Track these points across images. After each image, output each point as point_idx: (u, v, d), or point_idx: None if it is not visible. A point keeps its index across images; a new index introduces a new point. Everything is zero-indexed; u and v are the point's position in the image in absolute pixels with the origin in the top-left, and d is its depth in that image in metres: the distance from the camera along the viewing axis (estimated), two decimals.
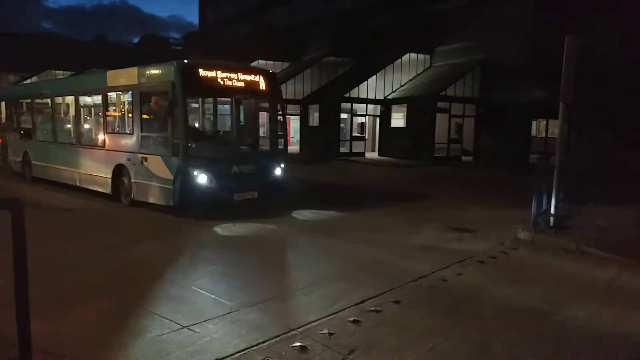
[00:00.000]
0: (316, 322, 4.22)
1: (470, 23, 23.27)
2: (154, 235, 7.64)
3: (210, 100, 10.95)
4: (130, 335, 3.92)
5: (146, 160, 8.97)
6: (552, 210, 8.12)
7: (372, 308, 4.60)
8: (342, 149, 24.98)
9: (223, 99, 10.54)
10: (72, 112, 11.73)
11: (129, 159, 9.41)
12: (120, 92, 10.04)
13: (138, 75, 9.22)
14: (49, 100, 12.55)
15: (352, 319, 4.31)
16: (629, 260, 6.31)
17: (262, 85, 9.44)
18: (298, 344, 3.79)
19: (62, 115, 12.41)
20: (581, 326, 4.35)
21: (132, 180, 9.34)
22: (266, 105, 10.34)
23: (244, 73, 9.21)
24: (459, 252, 6.75)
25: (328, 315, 4.38)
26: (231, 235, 7.81)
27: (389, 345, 3.89)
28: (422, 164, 21.28)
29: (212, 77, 8.69)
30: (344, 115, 25.60)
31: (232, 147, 9.99)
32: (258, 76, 9.42)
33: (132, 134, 9.40)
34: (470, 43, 23.76)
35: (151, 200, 9.03)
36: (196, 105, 11.03)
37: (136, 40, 57.91)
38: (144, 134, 9.15)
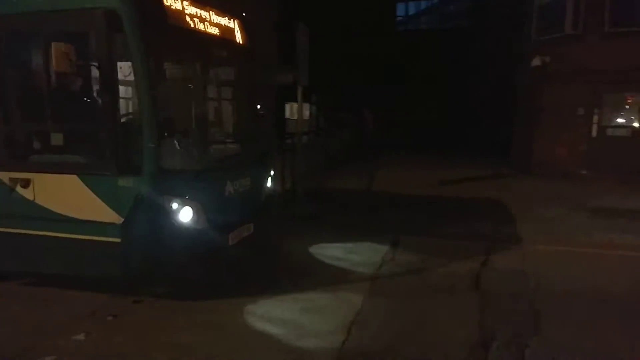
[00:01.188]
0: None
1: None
2: None
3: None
4: None
5: (25, 185, 4.22)
6: (295, 186, 9.19)
7: (133, 300, 4.56)
8: None
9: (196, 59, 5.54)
10: None
11: None
12: None
13: None
14: None
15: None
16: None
17: (243, 39, 5.51)
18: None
19: None
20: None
21: None
22: (246, 72, 5.94)
23: (219, 14, 5.09)
24: None
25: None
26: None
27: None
28: None
29: (183, 15, 4.47)
30: None
31: (224, 149, 5.76)
32: (234, 21, 5.37)
33: None
34: None
35: (56, 267, 4.37)
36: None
37: None
38: (18, 124, 4.55)
